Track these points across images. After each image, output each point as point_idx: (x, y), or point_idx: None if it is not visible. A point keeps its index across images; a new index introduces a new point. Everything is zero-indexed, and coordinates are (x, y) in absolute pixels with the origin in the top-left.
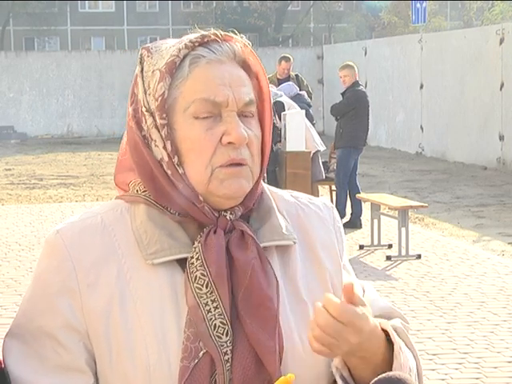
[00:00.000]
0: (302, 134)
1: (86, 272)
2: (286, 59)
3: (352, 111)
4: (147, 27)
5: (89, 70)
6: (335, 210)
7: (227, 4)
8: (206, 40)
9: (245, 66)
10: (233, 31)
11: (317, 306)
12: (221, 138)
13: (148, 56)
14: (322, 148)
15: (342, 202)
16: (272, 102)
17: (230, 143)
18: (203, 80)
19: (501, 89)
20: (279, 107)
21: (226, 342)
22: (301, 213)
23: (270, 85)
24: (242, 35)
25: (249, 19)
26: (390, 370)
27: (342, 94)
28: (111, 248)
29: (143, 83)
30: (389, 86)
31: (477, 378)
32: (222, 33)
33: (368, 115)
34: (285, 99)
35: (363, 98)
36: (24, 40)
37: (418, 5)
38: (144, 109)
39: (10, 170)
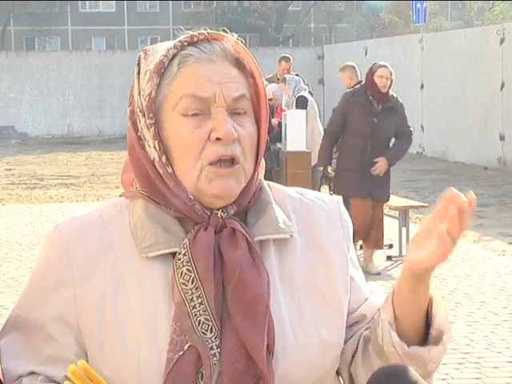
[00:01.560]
0: (302, 134)
1: (81, 266)
2: (286, 59)
3: None
4: (148, 27)
5: (89, 70)
6: (342, 204)
7: (228, 4)
8: (195, 40)
9: (238, 64)
10: (224, 30)
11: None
12: (209, 136)
13: (144, 58)
14: None
15: None
16: (296, 90)
17: (218, 139)
18: (191, 77)
19: (501, 89)
20: (302, 101)
21: (210, 338)
22: (305, 208)
23: (294, 76)
24: (233, 33)
25: (249, 19)
26: (425, 332)
27: None
28: (108, 243)
29: (138, 84)
30: None
31: (477, 378)
32: (212, 32)
33: None
34: (308, 95)
35: None
36: (25, 40)
37: (419, 5)
38: (138, 109)
39: (10, 169)
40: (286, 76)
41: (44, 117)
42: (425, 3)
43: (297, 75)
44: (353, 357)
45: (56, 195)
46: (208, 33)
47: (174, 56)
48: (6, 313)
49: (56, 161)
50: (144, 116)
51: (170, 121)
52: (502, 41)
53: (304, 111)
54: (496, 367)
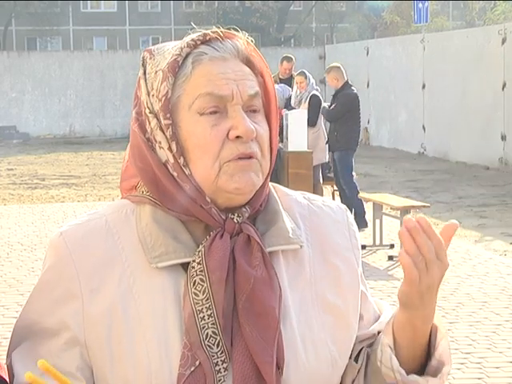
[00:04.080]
0: (304, 134)
1: (88, 277)
2: (288, 59)
3: (346, 114)
4: (149, 27)
5: (91, 70)
6: (349, 212)
7: (229, 4)
8: (207, 38)
9: (248, 63)
10: (235, 29)
11: (409, 223)
12: (227, 134)
13: (150, 58)
14: (326, 159)
15: (356, 199)
16: (311, 92)
17: (237, 137)
18: (207, 76)
19: (503, 88)
20: (317, 101)
21: (216, 353)
22: (314, 215)
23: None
24: (244, 32)
25: (251, 19)
26: (426, 361)
27: (334, 95)
28: (115, 251)
29: (146, 85)
30: (391, 85)
31: (479, 378)
32: (224, 30)
33: (360, 116)
34: (320, 95)
35: (356, 100)
36: (26, 40)
37: (420, 5)
38: (147, 111)
39: (12, 169)
40: (305, 71)
41: (46, 117)
42: (426, 3)
43: None
44: (357, 373)
45: (57, 195)
46: (221, 31)
47: (187, 55)
48: (7, 313)
49: (57, 161)
50: (156, 117)
51: (185, 120)
52: (503, 41)
53: (305, 111)
54: (497, 367)
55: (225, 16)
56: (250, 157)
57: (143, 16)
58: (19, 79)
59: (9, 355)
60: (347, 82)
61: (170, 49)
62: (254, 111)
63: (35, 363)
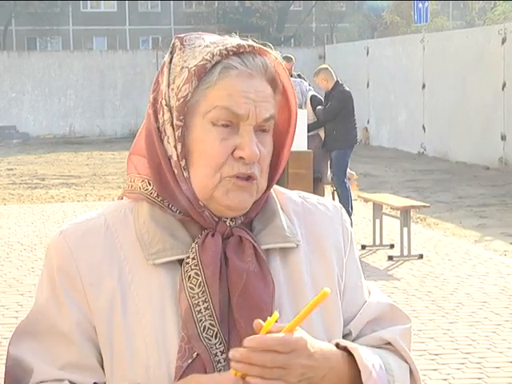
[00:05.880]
0: (304, 134)
1: (88, 272)
2: (288, 59)
3: (342, 111)
4: (149, 27)
5: (91, 70)
6: (344, 210)
7: (229, 4)
8: (241, 50)
9: (273, 82)
10: (269, 46)
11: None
12: (233, 151)
13: (180, 49)
14: None
15: (347, 199)
16: (305, 90)
17: (241, 158)
18: (229, 90)
19: (503, 88)
20: (318, 100)
21: (215, 345)
22: (308, 212)
23: (295, 79)
24: (278, 52)
25: (251, 19)
26: None
27: (325, 97)
28: (113, 249)
29: (169, 76)
30: (391, 85)
31: (479, 378)
32: (258, 46)
33: (355, 113)
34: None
35: (351, 97)
36: (26, 40)
37: (420, 5)
38: (164, 102)
39: (12, 169)
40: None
41: (45, 117)
42: (426, 3)
43: (299, 75)
44: None
45: (57, 195)
46: (255, 46)
47: (217, 62)
48: (7, 313)
49: (57, 161)
50: (170, 112)
51: (198, 126)
52: (503, 41)
53: (305, 111)
54: (497, 367)
55: (225, 16)
56: (248, 177)
57: (143, 16)
58: (19, 79)
59: (14, 344)
60: (337, 81)
61: (202, 47)
62: (264, 131)
63: (50, 359)
